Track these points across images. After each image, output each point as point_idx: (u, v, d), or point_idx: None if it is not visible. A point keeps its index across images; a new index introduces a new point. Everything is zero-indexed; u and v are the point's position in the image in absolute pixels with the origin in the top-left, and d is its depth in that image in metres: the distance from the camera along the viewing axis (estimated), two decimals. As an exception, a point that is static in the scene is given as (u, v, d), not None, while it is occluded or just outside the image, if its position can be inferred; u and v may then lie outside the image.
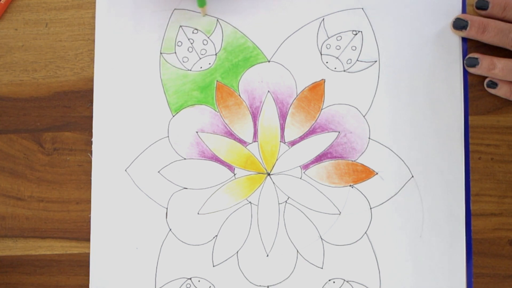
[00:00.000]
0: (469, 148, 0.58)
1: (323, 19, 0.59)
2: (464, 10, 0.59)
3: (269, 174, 0.59)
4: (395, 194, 0.58)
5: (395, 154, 0.58)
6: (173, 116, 0.59)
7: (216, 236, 0.58)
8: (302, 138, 0.59)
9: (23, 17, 0.61)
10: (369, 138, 0.58)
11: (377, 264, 0.57)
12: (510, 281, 0.57)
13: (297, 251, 0.58)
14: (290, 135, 0.59)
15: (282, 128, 0.59)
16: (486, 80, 0.58)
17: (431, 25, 0.59)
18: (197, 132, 0.59)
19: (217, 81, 0.59)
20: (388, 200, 0.58)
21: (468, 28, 0.57)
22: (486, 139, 0.58)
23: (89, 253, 0.59)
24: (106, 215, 0.59)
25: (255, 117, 0.59)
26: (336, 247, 0.58)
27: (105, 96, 0.60)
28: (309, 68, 0.59)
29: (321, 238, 0.58)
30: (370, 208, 0.58)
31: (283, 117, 0.59)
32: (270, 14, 0.60)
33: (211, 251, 0.58)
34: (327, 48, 0.59)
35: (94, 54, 0.60)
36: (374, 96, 0.59)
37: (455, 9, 0.59)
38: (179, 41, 0.60)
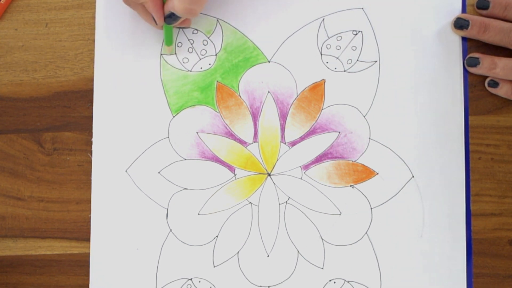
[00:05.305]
0: (469, 148, 0.58)
1: (323, 19, 0.59)
2: (464, 10, 0.59)
3: (269, 175, 0.59)
4: (395, 194, 0.58)
5: (396, 154, 0.58)
6: (174, 116, 0.59)
7: (217, 236, 0.58)
8: (302, 138, 0.59)
9: (23, 17, 0.61)
10: (369, 138, 0.58)
11: (378, 264, 0.57)
12: (510, 281, 0.57)
13: (298, 251, 0.58)
14: (290, 136, 0.59)
15: (283, 129, 0.59)
16: (487, 80, 0.58)
17: (431, 25, 0.59)
18: (197, 132, 0.59)
19: (217, 81, 0.59)
20: (388, 200, 0.58)
21: (469, 27, 0.57)
22: (486, 139, 0.58)
23: (89, 253, 0.59)
24: (106, 215, 0.59)
25: (255, 117, 0.59)
26: (336, 247, 0.58)
27: (105, 96, 0.60)
28: (309, 68, 0.59)
29: (322, 238, 0.58)
30: (371, 208, 0.58)
31: (283, 117, 0.59)
32: (270, 14, 0.59)
33: (212, 252, 0.58)
34: (327, 48, 0.59)
35: (94, 54, 0.60)
36: (375, 96, 0.59)
37: (455, 9, 0.59)
38: (179, 42, 0.60)
